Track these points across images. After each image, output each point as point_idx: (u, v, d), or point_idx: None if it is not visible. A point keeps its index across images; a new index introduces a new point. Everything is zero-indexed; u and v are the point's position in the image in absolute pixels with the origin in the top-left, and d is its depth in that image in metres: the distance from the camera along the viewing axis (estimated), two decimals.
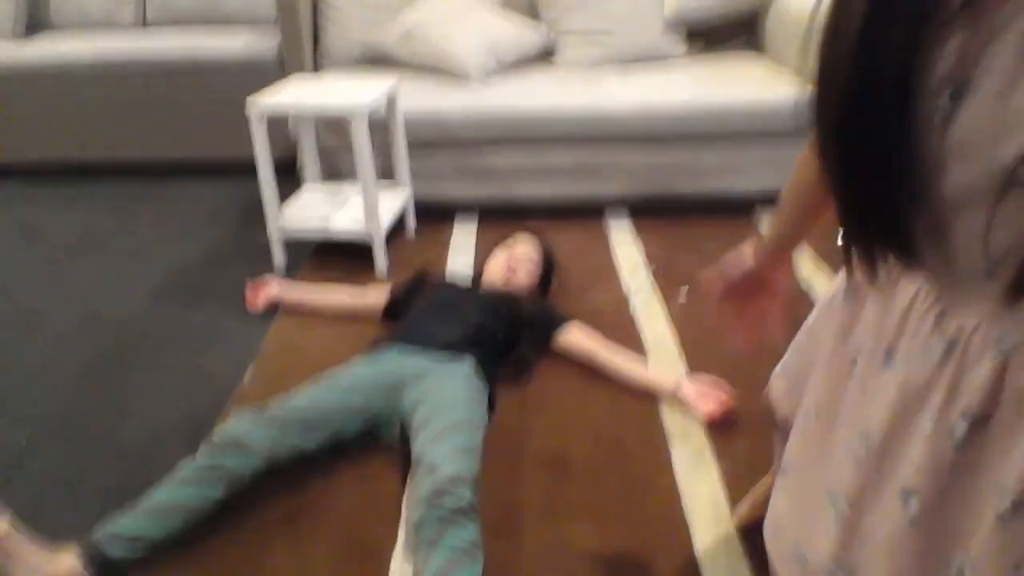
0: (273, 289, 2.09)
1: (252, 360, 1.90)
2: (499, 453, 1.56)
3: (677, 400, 1.68)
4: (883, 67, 0.57)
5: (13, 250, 2.57)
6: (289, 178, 2.59)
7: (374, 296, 2.02)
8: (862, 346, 0.76)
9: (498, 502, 1.44)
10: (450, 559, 1.21)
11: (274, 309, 2.10)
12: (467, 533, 1.25)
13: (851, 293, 0.80)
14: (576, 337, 1.84)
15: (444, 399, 1.51)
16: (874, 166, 0.61)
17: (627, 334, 1.95)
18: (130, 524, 1.30)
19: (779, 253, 1.00)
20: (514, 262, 1.98)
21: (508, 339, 1.81)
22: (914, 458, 0.68)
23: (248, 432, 1.42)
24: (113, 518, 1.32)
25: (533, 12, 3.03)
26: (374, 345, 1.75)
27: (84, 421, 1.72)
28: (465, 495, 1.29)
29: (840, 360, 0.80)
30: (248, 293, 2.12)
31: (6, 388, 1.85)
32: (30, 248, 2.58)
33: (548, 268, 2.06)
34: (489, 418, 1.62)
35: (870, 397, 0.73)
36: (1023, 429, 0.62)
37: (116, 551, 1.27)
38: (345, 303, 2.05)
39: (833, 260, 2.31)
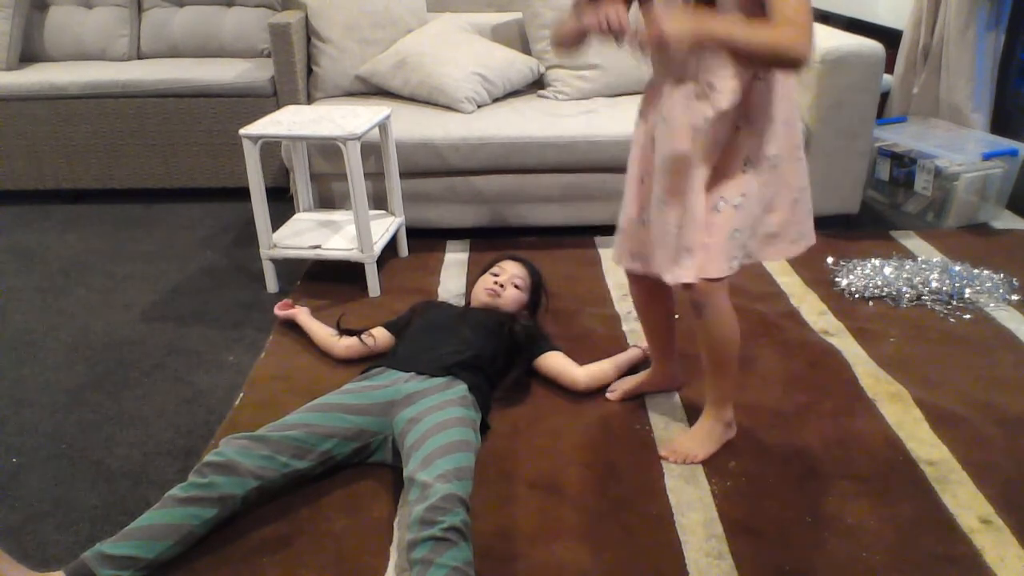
0: (300, 315, 2.12)
1: (243, 383, 1.90)
2: (491, 476, 1.56)
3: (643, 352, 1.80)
4: None
5: (6, 274, 2.57)
6: (282, 206, 2.60)
7: (374, 345, 1.97)
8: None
9: (490, 525, 1.43)
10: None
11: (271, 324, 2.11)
12: (460, 553, 1.24)
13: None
14: (555, 360, 1.85)
15: (437, 421, 1.51)
16: None
17: None
18: (120, 546, 1.29)
19: None
20: (501, 282, 1.99)
21: (501, 361, 1.81)
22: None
23: (240, 455, 1.42)
24: (103, 540, 1.31)
25: (524, 45, 3.09)
26: (367, 369, 1.75)
27: (75, 444, 1.71)
28: (458, 515, 1.29)
29: (639, 144, 1.54)
30: (281, 304, 2.19)
31: None
32: (23, 272, 2.58)
33: (536, 290, 2.07)
34: (482, 441, 1.63)
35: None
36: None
37: (106, 574, 1.26)
38: (339, 354, 1.99)
39: (817, 286, 2.34)
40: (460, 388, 1.64)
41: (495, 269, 2.06)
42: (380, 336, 1.96)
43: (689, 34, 1.23)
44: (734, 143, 1.43)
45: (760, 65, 1.35)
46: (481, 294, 1.99)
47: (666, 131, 1.44)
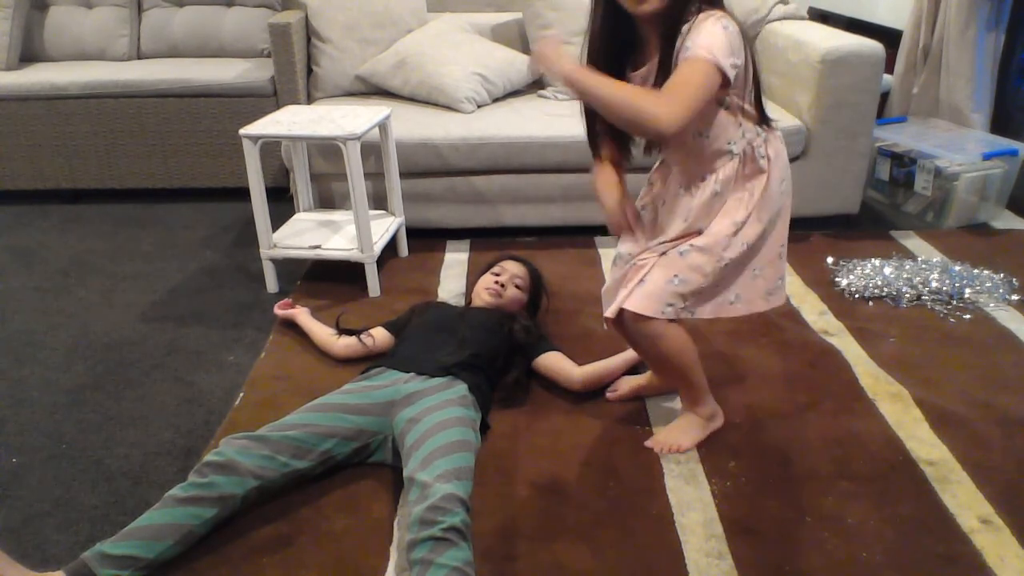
0: (299, 315, 2.11)
1: (243, 383, 1.90)
2: (492, 477, 1.56)
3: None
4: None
5: (6, 275, 2.57)
6: (282, 206, 2.60)
7: (373, 345, 1.96)
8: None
9: (491, 525, 1.43)
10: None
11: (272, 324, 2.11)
12: (460, 553, 1.24)
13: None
14: (554, 360, 1.85)
15: (437, 421, 1.51)
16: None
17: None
18: (120, 545, 1.29)
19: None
20: (502, 282, 1.99)
21: (501, 361, 1.81)
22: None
23: (239, 454, 1.42)
24: (103, 540, 1.31)
25: (524, 45, 3.09)
26: (367, 369, 1.75)
27: (75, 444, 1.71)
28: (458, 515, 1.28)
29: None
30: (281, 303, 2.19)
31: None
32: (22, 273, 2.58)
33: (536, 290, 2.07)
34: (482, 441, 1.63)
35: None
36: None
37: (106, 573, 1.26)
38: (338, 354, 1.98)
39: (819, 288, 2.34)
40: (460, 388, 1.64)
41: (496, 269, 2.06)
42: (379, 336, 1.96)
43: (563, 71, 1.33)
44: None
45: (620, 124, 1.40)
46: (483, 294, 1.99)
47: (665, 212, 1.58)
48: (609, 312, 1.54)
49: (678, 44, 1.33)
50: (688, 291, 1.48)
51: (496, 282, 1.99)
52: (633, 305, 1.48)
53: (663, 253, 1.51)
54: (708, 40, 1.30)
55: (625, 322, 1.52)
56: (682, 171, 1.53)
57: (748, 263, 1.52)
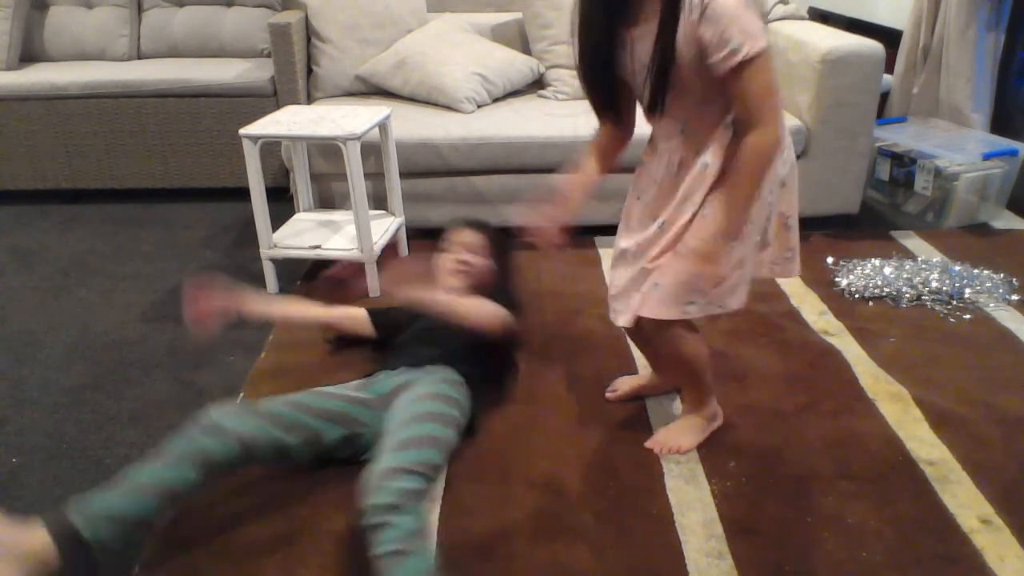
0: (229, 303, 1.71)
1: (243, 383, 1.90)
2: (491, 476, 1.56)
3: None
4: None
5: (6, 275, 2.57)
6: (282, 206, 2.60)
7: (352, 311, 1.96)
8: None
9: (491, 525, 1.43)
10: (389, 561, 1.20)
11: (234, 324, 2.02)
12: (408, 524, 1.23)
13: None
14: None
15: (417, 393, 1.54)
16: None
17: (620, 357, 1.96)
18: (103, 500, 1.28)
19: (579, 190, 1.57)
20: (463, 259, 1.91)
21: (493, 349, 1.80)
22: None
23: (226, 419, 1.42)
24: (84, 494, 1.29)
25: (524, 45, 3.09)
26: (368, 375, 1.74)
27: (75, 444, 1.71)
28: (409, 484, 1.29)
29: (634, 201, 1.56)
30: (189, 303, 1.68)
31: None
32: (23, 272, 2.58)
33: (501, 250, 1.97)
34: (475, 434, 1.63)
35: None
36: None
37: (88, 529, 1.24)
38: (320, 314, 1.94)
39: (819, 288, 2.34)
40: (451, 372, 1.65)
41: (448, 245, 1.95)
42: (358, 315, 1.94)
43: (721, 246, 1.36)
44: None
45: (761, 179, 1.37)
46: (448, 280, 1.90)
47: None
48: (624, 321, 1.51)
49: (685, 3, 1.25)
50: (707, 285, 1.42)
51: (457, 260, 1.91)
52: (652, 311, 1.44)
53: (671, 251, 1.44)
54: (744, 23, 1.22)
55: (643, 327, 1.50)
56: (679, 144, 1.43)
57: (753, 236, 1.45)
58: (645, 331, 1.52)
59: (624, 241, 1.55)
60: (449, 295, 1.74)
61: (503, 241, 1.98)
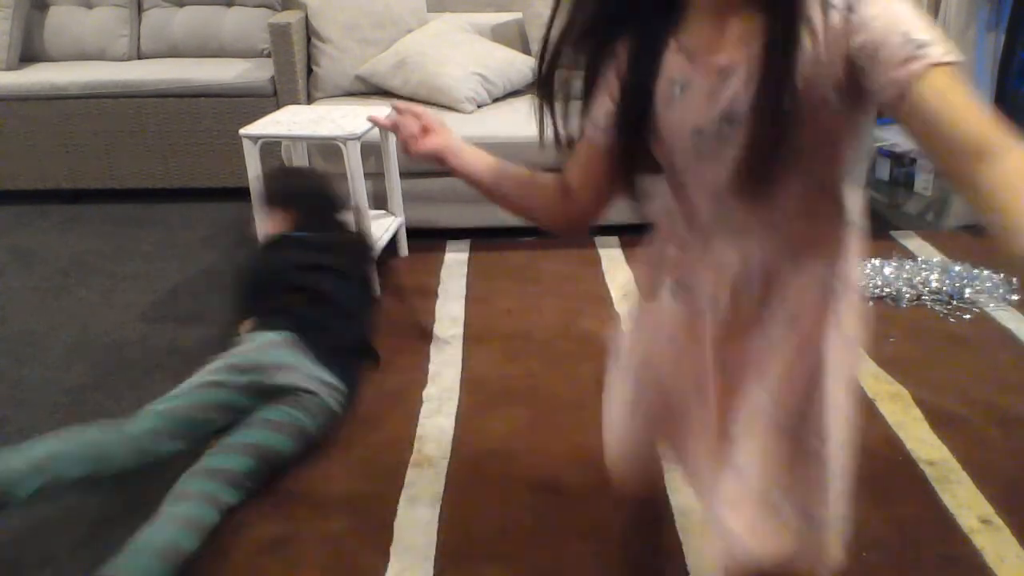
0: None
1: None
2: (491, 476, 1.56)
3: None
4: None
5: (6, 275, 2.57)
6: None
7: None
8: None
9: (491, 526, 1.43)
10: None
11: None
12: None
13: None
14: None
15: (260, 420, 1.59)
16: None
17: None
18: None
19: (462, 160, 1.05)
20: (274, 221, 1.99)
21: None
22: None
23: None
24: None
25: (524, 45, 3.09)
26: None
27: None
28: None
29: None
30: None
31: None
32: (24, 273, 2.58)
33: (316, 198, 2.03)
34: (349, 401, 1.71)
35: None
36: None
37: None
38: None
39: None
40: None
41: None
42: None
43: None
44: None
45: None
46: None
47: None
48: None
49: (820, 20, 0.71)
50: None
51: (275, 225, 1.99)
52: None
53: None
54: (922, 19, 0.70)
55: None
56: (763, 246, 0.84)
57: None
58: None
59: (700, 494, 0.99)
60: None
61: (314, 185, 2.06)
